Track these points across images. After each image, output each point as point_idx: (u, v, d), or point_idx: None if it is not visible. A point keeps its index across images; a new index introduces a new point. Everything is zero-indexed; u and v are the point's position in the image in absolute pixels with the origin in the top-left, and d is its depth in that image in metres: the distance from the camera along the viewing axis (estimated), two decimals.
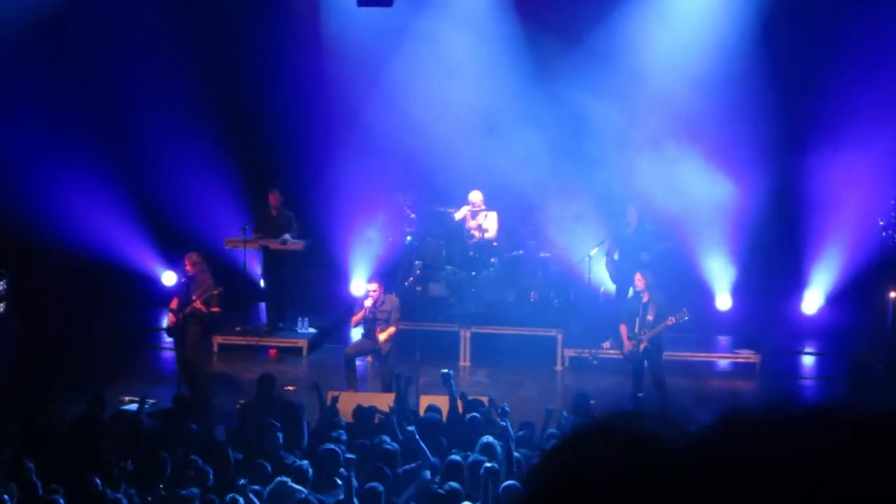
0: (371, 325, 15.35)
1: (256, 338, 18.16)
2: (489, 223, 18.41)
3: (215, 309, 14.87)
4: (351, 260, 20.26)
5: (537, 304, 18.41)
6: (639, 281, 14.98)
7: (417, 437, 11.23)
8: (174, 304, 15.12)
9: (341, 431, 11.71)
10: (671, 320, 14.69)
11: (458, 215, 18.50)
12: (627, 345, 14.88)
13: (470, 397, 12.98)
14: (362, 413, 12.53)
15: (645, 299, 14.90)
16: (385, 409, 12.71)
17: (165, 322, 16.20)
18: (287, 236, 18.13)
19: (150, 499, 9.51)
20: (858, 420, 1.57)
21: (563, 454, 1.63)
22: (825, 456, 1.49)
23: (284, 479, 9.58)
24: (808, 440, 1.51)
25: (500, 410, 12.13)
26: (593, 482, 1.54)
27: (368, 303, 15.30)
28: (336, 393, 13.18)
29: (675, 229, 18.25)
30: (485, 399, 13.04)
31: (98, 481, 9.56)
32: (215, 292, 14.78)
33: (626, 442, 1.57)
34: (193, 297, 14.81)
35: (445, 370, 13.23)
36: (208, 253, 16.64)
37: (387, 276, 17.90)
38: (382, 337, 15.12)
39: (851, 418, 1.57)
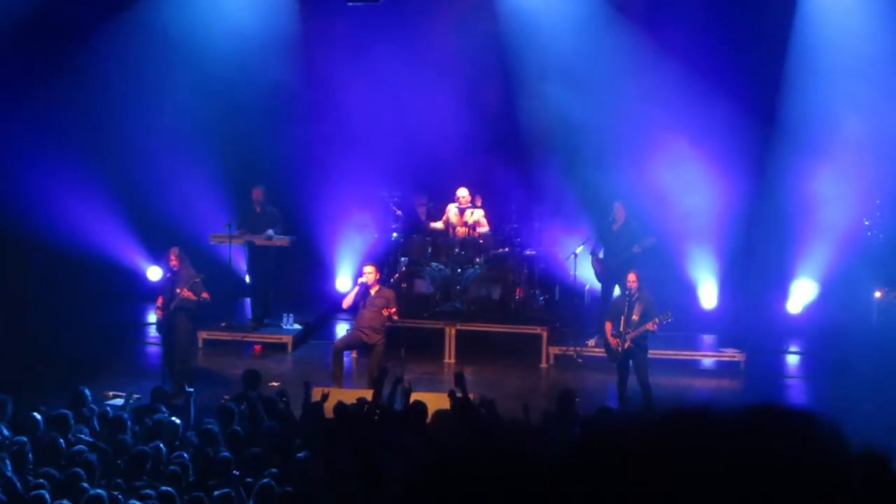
0: (361, 311, 15.39)
1: (241, 333, 18.14)
2: (477, 219, 18.39)
3: (205, 294, 15.05)
4: (336, 256, 20.24)
5: (523, 301, 18.40)
6: (632, 282, 14.93)
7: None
8: (160, 301, 15.27)
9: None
10: (652, 326, 14.67)
11: (438, 224, 18.53)
12: (613, 341, 14.87)
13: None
14: (343, 410, 12.50)
15: (634, 298, 14.89)
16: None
17: (154, 318, 16.26)
18: (270, 232, 18.11)
19: (132, 494, 9.48)
20: (700, 425, 1.74)
21: (443, 469, 1.80)
22: (659, 459, 1.66)
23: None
24: (649, 445, 1.68)
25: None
26: (469, 497, 1.72)
27: (362, 279, 15.39)
28: (326, 390, 13.21)
29: (659, 227, 18.25)
30: (473, 396, 13.07)
31: (83, 473, 9.54)
32: (197, 279, 14.97)
33: (499, 455, 1.76)
34: (178, 290, 14.93)
35: (458, 370, 13.41)
36: (193, 249, 16.66)
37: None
38: (388, 312, 15.19)
39: (693, 422, 1.74)
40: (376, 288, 15.56)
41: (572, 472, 1.67)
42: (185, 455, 10.51)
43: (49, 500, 8.99)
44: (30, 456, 10.25)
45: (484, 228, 18.39)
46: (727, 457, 1.63)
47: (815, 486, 1.61)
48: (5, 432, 11.14)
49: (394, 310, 15.40)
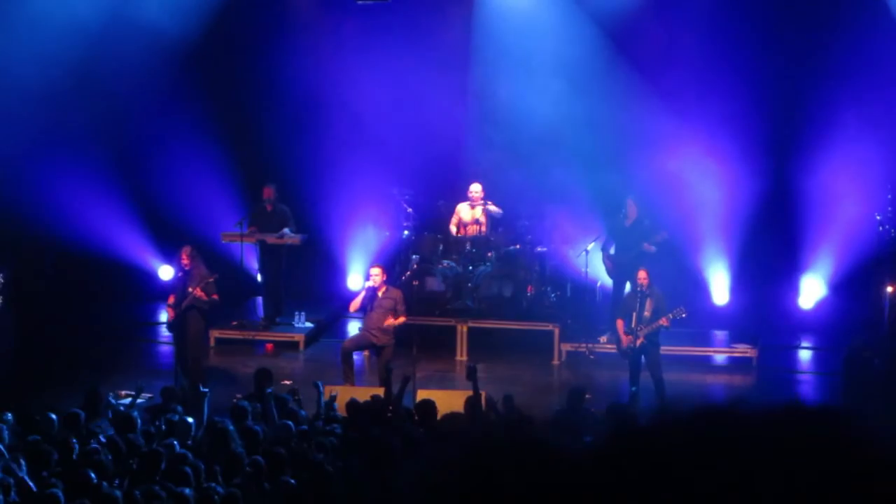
0: (369, 314, 15.38)
1: (253, 332, 18.15)
2: (491, 208, 18.36)
3: (215, 296, 15.04)
4: (348, 254, 20.25)
5: (534, 298, 18.40)
6: (643, 279, 14.90)
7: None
8: (171, 299, 15.28)
9: (336, 425, 11.72)
10: (664, 321, 14.64)
11: (453, 227, 18.50)
12: (625, 339, 14.86)
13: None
14: (356, 407, 12.53)
15: (645, 294, 14.86)
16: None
17: (165, 317, 16.27)
18: (286, 230, 18.14)
19: (145, 493, 9.48)
20: (729, 423, 1.73)
21: (466, 462, 1.79)
22: (689, 457, 1.65)
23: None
24: (677, 443, 1.68)
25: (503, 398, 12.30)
26: (497, 486, 1.71)
27: (370, 283, 15.39)
28: (336, 389, 13.22)
29: (671, 223, 18.23)
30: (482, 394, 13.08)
31: (93, 475, 9.55)
32: (211, 279, 14.98)
33: (523, 450, 1.75)
34: (190, 289, 14.93)
35: (471, 364, 13.46)
36: (205, 247, 16.68)
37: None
38: (393, 322, 15.18)
39: (724, 421, 1.73)
40: (384, 289, 15.54)
41: (599, 471, 1.66)
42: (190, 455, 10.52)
43: (63, 499, 9.01)
44: (54, 455, 10.26)
45: (496, 210, 18.30)
46: (755, 457, 1.62)
47: (844, 487, 1.60)
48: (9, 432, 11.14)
49: (402, 319, 15.39)
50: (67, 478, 9.63)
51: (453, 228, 18.53)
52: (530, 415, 12.46)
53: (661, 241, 17.47)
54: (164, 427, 11.59)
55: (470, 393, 12.91)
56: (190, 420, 11.73)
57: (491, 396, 13.26)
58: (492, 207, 18.37)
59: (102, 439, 10.98)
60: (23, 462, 9.93)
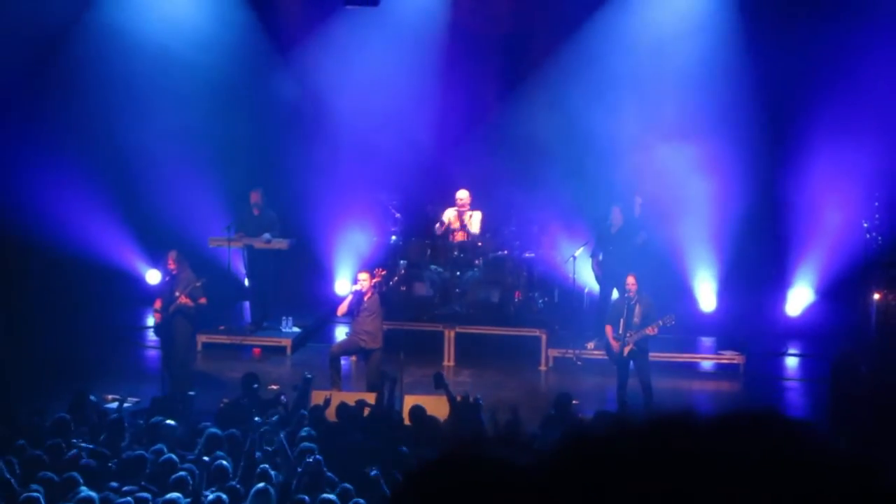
0: (357, 318, 15.37)
1: (240, 337, 18.13)
2: (474, 222, 18.36)
3: (202, 300, 15.00)
4: (335, 259, 20.23)
5: (522, 304, 18.40)
6: (632, 284, 14.86)
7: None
8: (158, 304, 15.24)
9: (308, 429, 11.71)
10: (651, 331, 14.60)
11: (439, 228, 18.47)
12: (614, 344, 14.82)
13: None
14: (346, 411, 12.54)
15: (633, 300, 14.84)
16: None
17: (152, 321, 16.21)
18: (267, 235, 18.11)
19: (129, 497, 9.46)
20: (685, 435, 1.69)
21: (418, 483, 1.78)
22: (640, 469, 1.62)
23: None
24: (628, 455, 1.65)
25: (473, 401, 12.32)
26: None
27: (357, 287, 15.38)
28: (328, 394, 13.20)
29: (659, 230, 18.25)
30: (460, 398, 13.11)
31: (80, 478, 9.54)
32: (198, 284, 14.93)
33: (474, 467, 1.74)
34: (177, 294, 14.90)
35: (436, 372, 13.46)
36: (192, 252, 16.65)
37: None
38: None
39: (680, 433, 1.69)
40: (370, 294, 15.50)
41: (550, 480, 1.65)
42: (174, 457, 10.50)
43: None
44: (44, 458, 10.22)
45: (474, 230, 18.29)
46: (706, 465, 1.60)
47: (800, 498, 1.58)
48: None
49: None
50: (52, 481, 9.60)
51: (438, 228, 18.42)
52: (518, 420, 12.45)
53: (640, 243, 17.50)
54: (147, 428, 11.57)
55: (457, 398, 12.93)
56: (173, 423, 11.72)
57: (467, 398, 13.20)
58: (475, 216, 18.29)
59: (88, 443, 10.96)
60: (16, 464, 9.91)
